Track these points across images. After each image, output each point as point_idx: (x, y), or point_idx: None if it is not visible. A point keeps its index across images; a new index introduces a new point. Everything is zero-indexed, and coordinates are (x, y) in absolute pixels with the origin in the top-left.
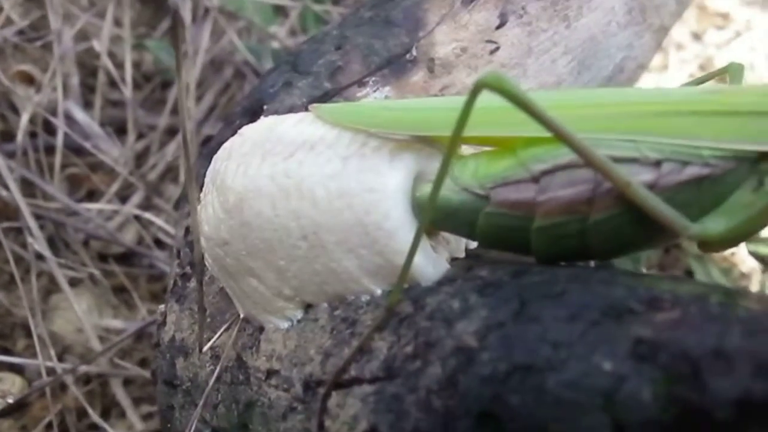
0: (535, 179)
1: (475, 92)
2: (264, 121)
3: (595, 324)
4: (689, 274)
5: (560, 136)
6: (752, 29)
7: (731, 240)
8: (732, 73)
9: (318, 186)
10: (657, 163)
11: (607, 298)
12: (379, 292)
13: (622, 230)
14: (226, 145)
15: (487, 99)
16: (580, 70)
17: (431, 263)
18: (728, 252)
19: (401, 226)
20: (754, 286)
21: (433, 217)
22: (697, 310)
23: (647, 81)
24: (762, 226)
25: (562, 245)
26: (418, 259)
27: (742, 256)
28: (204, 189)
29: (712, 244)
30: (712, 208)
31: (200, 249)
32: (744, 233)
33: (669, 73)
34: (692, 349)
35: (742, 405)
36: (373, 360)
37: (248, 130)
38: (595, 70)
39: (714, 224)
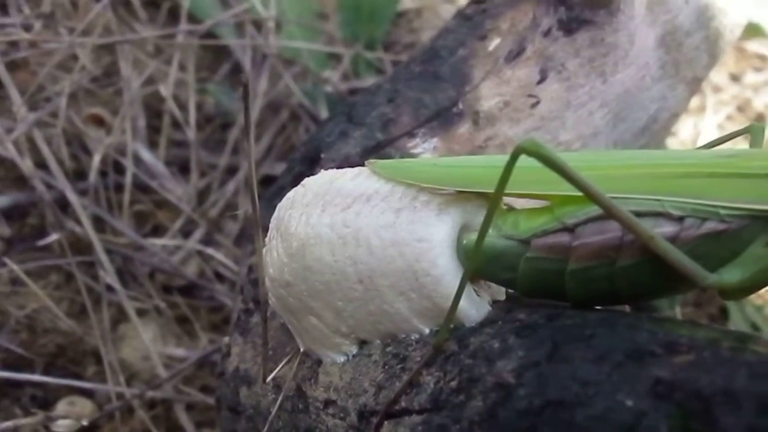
0: (570, 230)
1: (514, 156)
2: (324, 174)
3: (620, 365)
4: (724, 311)
5: (590, 195)
6: None
7: (746, 290)
8: (753, 133)
9: (373, 235)
10: (680, 219)
11: (631, 341)
12: (427, 331)
13: (646, 277)
14: (289, 195)
15: (526, 160)
16: (615, 122)
17: (474, 306)
18: (763, 290)
19: (447, 273)
20: None
21: (478, 264)
22: (710, 353)
23: (685, 123)
24: None
25: (592, 288)
26: (463, 302)
27: None
28: (268, 234)
29: (729, 293)
30: (729, 260)
31: (265, 290)
32: (757, 284)
33: (706, 115)
34: (704, 389)
35: None
36: (421, 393)
37: (310, 182)
38: (630, 121)
39: (730, 275)
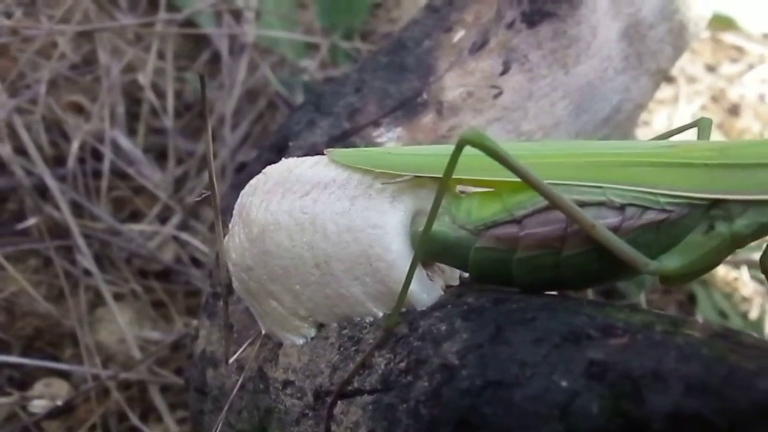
0: (518, 221)
1: (459, 147)
2: (285, 162)
3: (557, 347)
4: (692, 298)
5: (531, 185)
6: (765, 62)
7: (686, 276)
8: (701, 127)
9: (329, 222)
10: (621, 208)
11: (569, 324)
12: (381, 314)
13: (590, 265)
14: (252, 182)
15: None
16: (578, 112)
17: (426, 291)
18: (731, 277)
19: (400, 258)
20: (755, 309)
21: (433, 251)
22: (643, 336)
23: (659, 114)
24: (714, 265)
25: (539, 276)
26: (414, 286)
27: (744, 280)
28: (232, 220)
29: (670, 279)
30: (669, 248)
31: (225, 273)
32: (697, 270)
33: (680, 106)
34: (635, 370)
35: (673, 418)
36: (372, 374)
37: (271, 170)
38: (592, 112)
39: (670, 262)
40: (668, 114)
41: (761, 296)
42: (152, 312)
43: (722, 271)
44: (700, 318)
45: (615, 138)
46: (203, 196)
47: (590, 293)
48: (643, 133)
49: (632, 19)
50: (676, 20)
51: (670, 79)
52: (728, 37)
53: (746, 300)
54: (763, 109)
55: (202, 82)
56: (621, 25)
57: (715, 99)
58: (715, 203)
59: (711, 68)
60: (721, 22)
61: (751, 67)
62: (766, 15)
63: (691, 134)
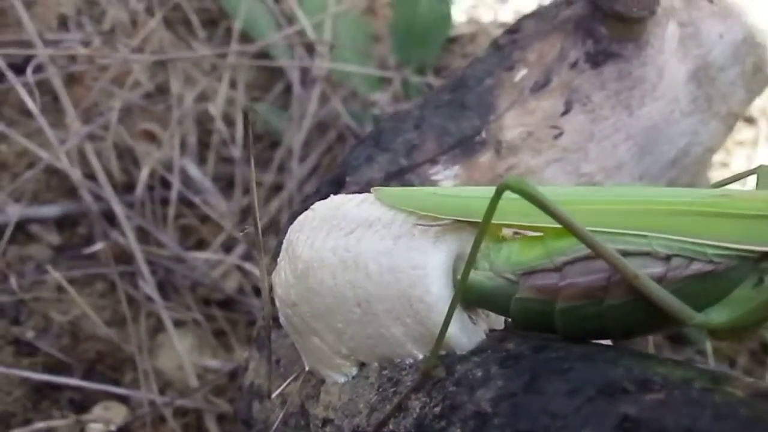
0: (558, 269)
1: (499, 192)
2: (333, 199)
3: (591, 399)
4: (765, 347)
5: (573, 232)
6: None
7: (734, 330)
8: (761, 174)
9: (371, 261)
10: (667, 258)
11: (606, 376)
12: (420, 356)
13: (634, 315)
14: (300, 218)
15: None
16: (641, 155)
17: (467, 334)
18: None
19: (440, 300)
20: None
21: (471, 298)
22: (680, 393)
23: (738, 155)
24: (763, 320)
25: (581, 325)
26: (454, 330)
27: None
28: (280, 255)
29: (717, 333)
30: (717, 300)
31: (271, 308)
32: (746, 324)
33: (759, 147)
34: (669, 428)
35: None
36: (408, 417)
37: (319, 206)
38: (657, 154)
39: (717, 315)
40: (747, 155)
41: None
42: (213, 340)
43: None
44: None
45: (683, 181)
46: (246, 230)
47: (652, 338)
48: (719, 175)
49: (701, 61)
50: (749, 63)
51: (750, 120)
52: None
53: None
54: None
55: (245, 117)
56: (689, 67)
57: None
58: (766, 256)
59: None
60: None
61: None
62: None
63: (751, 182)
